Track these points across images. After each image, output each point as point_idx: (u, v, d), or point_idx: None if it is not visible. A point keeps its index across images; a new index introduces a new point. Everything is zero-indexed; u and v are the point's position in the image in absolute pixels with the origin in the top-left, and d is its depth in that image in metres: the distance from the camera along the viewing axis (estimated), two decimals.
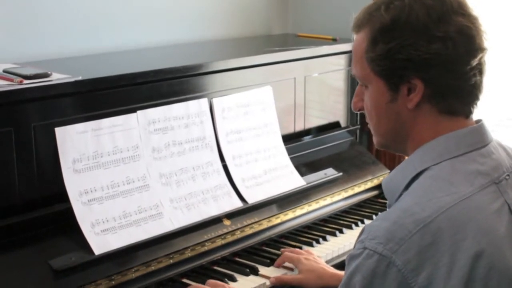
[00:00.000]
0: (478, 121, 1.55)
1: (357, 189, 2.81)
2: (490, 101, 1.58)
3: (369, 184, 2.87)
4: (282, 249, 2.32)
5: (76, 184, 2.06)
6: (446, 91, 1.48)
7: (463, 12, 1.47)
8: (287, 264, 2.24)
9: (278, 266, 2.24)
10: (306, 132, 2.92)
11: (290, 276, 2.19)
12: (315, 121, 2.96)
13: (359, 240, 1.44)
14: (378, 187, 2.89)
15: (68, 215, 2.02)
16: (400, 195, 1.51)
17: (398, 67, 1.47)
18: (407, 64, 1.46)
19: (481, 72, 1.50)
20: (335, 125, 3.05)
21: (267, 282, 2.15)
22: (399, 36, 1.45)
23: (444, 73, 1.46)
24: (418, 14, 1.45)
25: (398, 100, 1.50)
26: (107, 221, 2.08)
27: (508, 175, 1.49)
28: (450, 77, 1.46)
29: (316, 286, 2.14)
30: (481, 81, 1.51)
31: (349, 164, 2.89)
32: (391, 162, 3.13)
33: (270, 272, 2.20)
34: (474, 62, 1.47)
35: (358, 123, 3.13)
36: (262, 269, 2.22)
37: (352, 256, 1.44)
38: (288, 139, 2.76)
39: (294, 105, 2.85)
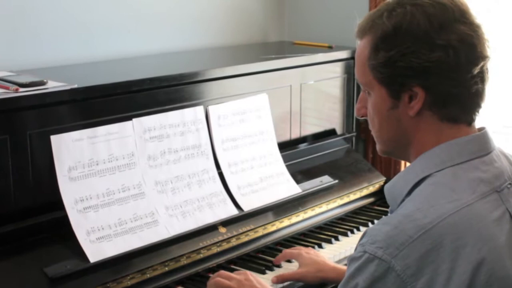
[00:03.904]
0: (481, 128, 1.55)
1: (353, 197, 2.81)
2: (487, 108, 1.58)
3: (365, 192, 2.87)
4: (284, 250, 2.33)
5: (71, 191, 2.07)
6: (447, 99, 1.48)
7: (465, 20, 1.47)
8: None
9: (277, 262, 2.28)
10: (302, 139, 2.92)
11: (290, 272, 2.20)
12: (311, 129, 2.96)
13: (360, 243, 1.45)
14: (374, 194, 2.90)
15: (63, 223, 2.02)
16: (402, 201, 1.51)
17: (399, 74, 1.47)
18: (408, 72, 1.46)
19: (483, 80, 1.50)
20: (331, 133, 3.05)
21: None
22: (400, 44, 1.46)
23: (445, 81, 1.46)
24: (420, 22, 1.45)
25: (400, 107, 1.51)
26: (103, 228, 2.08)
27: (510, 183, 1.50)
28: (451, 85, 1.47)
29: (316, 279, 2.16)
30: (483, 89, 1.51)
31: (345, 172, 2.89)
32: (387, 170, 3.14)
33: (266, 279, 2.20)
34: (476, 70, 1.47)
35: (354, 130, 3.13)
36: (258, 277, 2.21)
37: (353, 259, 1.45)
38: (284, 146, 2.76)
39: (290, 112, 2.85)
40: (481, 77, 1.50)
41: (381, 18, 1.50)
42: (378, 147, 1.63)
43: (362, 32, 1.55)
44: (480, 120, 1.56)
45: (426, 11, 1.46)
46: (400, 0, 1.50)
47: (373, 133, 1.60)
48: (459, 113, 1.51)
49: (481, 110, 1.54)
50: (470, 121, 1.53)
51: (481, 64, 1.48)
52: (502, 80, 2.98)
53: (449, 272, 1.35)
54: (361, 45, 1.55)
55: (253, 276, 2.04)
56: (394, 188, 1.57)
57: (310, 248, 2.33)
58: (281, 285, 2.18)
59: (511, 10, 3.03)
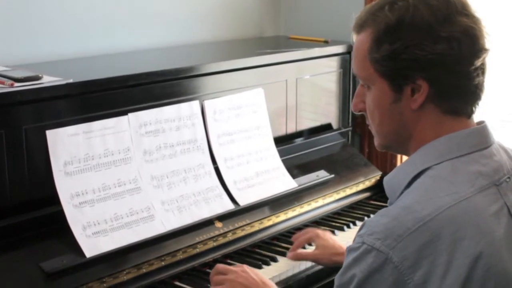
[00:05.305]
0: (481, 122, 1.56)
1: (349, 191, 2.81)
2: (484, 102, 1.58)
3: (361, 186, 2.87)
4: (293, 236, 2.38)
5: (67, 186, 2.06)
6: (450, 91, 1.48)
7: (467, 13, 1.47)
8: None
9: (292, 252, 2.29)
10: (298, 134, 2.92)
11: (306, 252, 2.26)
12: (307, 123, 2.96)
13: (358, 234, 1.45)
14: (370, 189, 2.90)
15: (59, 218, 2.02)
16: (401, 193, 1.51)
17: (403, 67, 1.47)
18: (412, 65, 1.46)
19: (483, 72, 1.51)
20: (327, 127, 3.05)
21: None
22: (404, 37, 1.45)
23: (448, 73, 1.46)
24: (423, 15, 1.45)
25: (402, 100, 1.51)
26: (99, 223, 2.07)
27: (508, 177, 1.50)
28: (455, 77, 1.47)
29: (330, 262, 2.21)
30: (483, 81, 1.51)
31: (341, 166, 2.89)
32: (383, 164, 3.13)
33: (262, 273, 2.19)
34: (478, 63, 1.47)
35: (350, 125, 3.13)
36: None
37: (351, 249, 1.45)
38: (280, 141, 2.76)
39: (286, 107, 2.85)
40: (482, 70, 1.50)
41: (382, 11, 1.49)
42: (377, 141, 1.62)
43: (361, 25, 1.54)
44: (478, 114, 1.56)
45: (429, 4, 1.46)
46: None
47: (373, 127, 1.60)
48: (461, 106, 1.51)
49: (480, 103, 1.54)
50: (470, 114, 1.54)
51: (483, 56, 1.49)
52: (500, 74, 2.98)
53: (446, 265, 1.35)
54: (360, 38, 1.54)
55: (249, 268, 2.04)
56: (393, 180, 1.57)
57: (325, 230, 2.37)
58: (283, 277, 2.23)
59: (508, 5, 3.03)
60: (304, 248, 2.35)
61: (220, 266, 2.06)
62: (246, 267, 2.03)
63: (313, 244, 2.30)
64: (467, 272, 1.35)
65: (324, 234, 2.29)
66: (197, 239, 2.24)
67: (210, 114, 2.47)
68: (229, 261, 2.28)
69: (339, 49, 3.03)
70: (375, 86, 1.53)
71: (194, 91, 2.45)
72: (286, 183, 2.62)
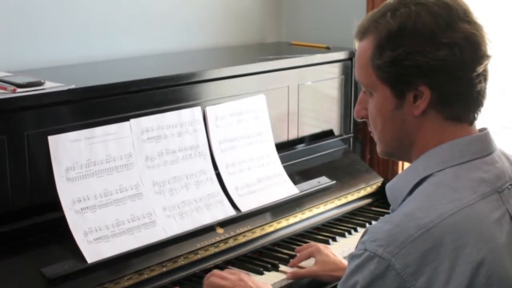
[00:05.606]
0: (483, 129, 1.56)
1: (350, 197, 2.81)
2: (485, 109, 1.59)
3: (362, 192, 2.87)
4: (296, 249, 2.37)
5: (69, 192, 2.06)
6: (452, 98, 1.49)
7: (469, 20, 1.48)
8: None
9: (293, 266, 2.29)
10: (300, 140, 2.92)
11: (305, 269, 2.25)
12: (308, 129, 2.96)
13: (361, 241, 1.45)
14: (372, 195, 2.90)
15: (61, 224, 2.02)
16: (404, 200, 1.51)
17: (405, 74, 1.47)
18: (414, 71, 1.46)
19: (485, 78, 1.51)
20: (328, 133, 3.05)
21: None
22: (406, 43, 1.46)
23: (450, 79, 1.46)
24: (425, 21, 1.45)
25: (404, 107, 1.51)
26: (100, 229, 2.07)
27: (510, 184, 1.50)
28: (457, 84, 1.47)
29: (331, 278, 2.20)
30: (485, 88, 1.52)
31: (342, 172, 2.89)
32: (385, 170, 3.13)
33: (264, 280, 2.19)
34: (480, 69, 1.48)
35: (352, 131, 3.13)
36: (256, 278, 2.21)
37: (353, 256, 1.45)
38: (281, 147, 2.76)
39: (288, 113, 2.85)
40: (484, 76, 1.51)
41: (384, 17, 1.49)
42: (379, 148, 1.62)
43: (363, 32, 1.54)
44: (479, 121, 1.57)
45: (431, 10, 1.46)
46: (402, 0, 1.50)
47: (375, 134, 1.60)
48: (463, 112, 1.51)
49: (482, 109, 1.54)
50: (472, 121, 1.54)
51: (485, 63, 1.49)
52: (501, 81, 2.98)
53: (448, 272, 1.35)
54: (362, 45, 1.55)
55: (246, 276, 2.05)
56: (396, 187, 1.57)
57: (326, 246, 2.34)
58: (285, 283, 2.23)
59: (509, 12, 3.04)
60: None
61: (215, 272, 2.06)
62: (242, 275, 2.04)
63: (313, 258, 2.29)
64: (469, 279, 1.35)
65: (325, 249, 2.28)
66: (198, 245, 2.24)
67: (212, 120, 2.47)
68: (230, 267, 2.27)
69: (341, 55, 3.04)
70: (377, 93, 1.54)
71: (196, 97, 2.45)
72: (287, 189, 2.62)
